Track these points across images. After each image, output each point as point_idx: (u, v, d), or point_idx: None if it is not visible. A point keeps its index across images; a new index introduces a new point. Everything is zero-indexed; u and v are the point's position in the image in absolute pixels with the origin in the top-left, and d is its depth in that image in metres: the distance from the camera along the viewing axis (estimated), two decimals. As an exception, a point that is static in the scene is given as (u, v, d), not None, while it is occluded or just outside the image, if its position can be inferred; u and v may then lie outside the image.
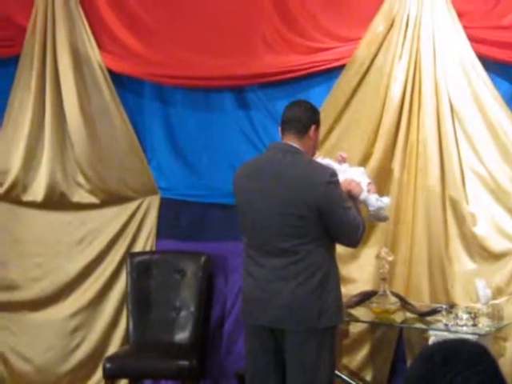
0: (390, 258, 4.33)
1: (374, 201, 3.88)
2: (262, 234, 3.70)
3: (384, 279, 4.32)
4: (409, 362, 4.48)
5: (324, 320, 3.68)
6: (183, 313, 4.95)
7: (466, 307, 4.23)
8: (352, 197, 3.84)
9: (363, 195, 3.87)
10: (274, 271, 3.68)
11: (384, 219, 4.04)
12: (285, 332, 3.71)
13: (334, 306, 3.71)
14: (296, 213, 3.62)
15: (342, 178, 3.80)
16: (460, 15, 4.39)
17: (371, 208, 3.89)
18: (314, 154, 3.87)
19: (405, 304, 4.31)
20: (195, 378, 4.69)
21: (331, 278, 3.71)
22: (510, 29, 4.32)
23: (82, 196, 5.15)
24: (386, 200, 3.94)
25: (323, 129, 4.29)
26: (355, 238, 3.76)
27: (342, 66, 4.63)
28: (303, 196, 3.62)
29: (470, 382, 1.65)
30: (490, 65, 4.38)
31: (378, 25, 4.52)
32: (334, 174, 3.69)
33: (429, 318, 4.24)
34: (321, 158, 3.95)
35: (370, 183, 3.94)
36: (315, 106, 3.92)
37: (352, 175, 3.93)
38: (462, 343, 1.78)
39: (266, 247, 3.69)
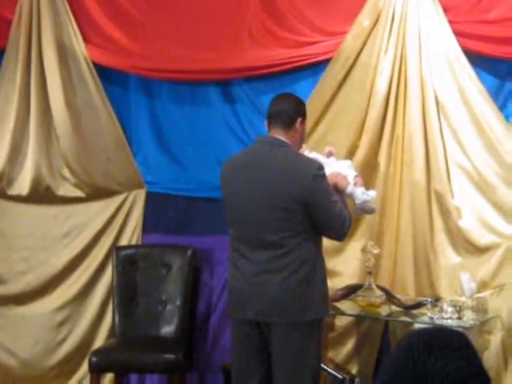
0: (376, 252, 4.34)
1: (360, 194, 3.87)
2: (249, 227, 3.69)
3: (369, 273, 4.32)
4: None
5: (310, 313, 3.68)
6: (169, 306, 4.95)
7: (451, 300, 4.24)
8: (338, 190, 3.84)
9: (349, 188, 3.86)
10: (260, 264, 3.68)
11: (370, 211, 4.03)
12: (271, 325, 3.70)
13: (320, 299, 3.71)
14: (282, 206, 3.62)
15: (328, 171, 3.79)
16: (446, 10, 4.40)
17: (357, 201, 3.88)
18: (300, 147, 3.87)
19: (390, 297, 4.32)
20: (181, 372, 4.69)
21: (317, 271, 3.71)
22: (495, 23, 4.33)
23: (67, 190, 5.14)
24: (372, 193, 3.94)
25: (309, 122, 4.29)
26: (342, 231, 3.76)
27: (328, 60, 4.62)
28: (290, 189, 3.61)
29: (447, 368, 1.67)
30: (476, 59, 4.38)
31: (364, 19, 4.53)
32: (320, 167, 3.69)
33: (414, 312, 4.25)
34: (308, 152, 3.95)
35: (356, 176, 3.93)
36: (301, 98, 3.92)
37: (339, 168, 3.93)
38: (441, 330, 1.80)
39: (252, 240, 3.69)
